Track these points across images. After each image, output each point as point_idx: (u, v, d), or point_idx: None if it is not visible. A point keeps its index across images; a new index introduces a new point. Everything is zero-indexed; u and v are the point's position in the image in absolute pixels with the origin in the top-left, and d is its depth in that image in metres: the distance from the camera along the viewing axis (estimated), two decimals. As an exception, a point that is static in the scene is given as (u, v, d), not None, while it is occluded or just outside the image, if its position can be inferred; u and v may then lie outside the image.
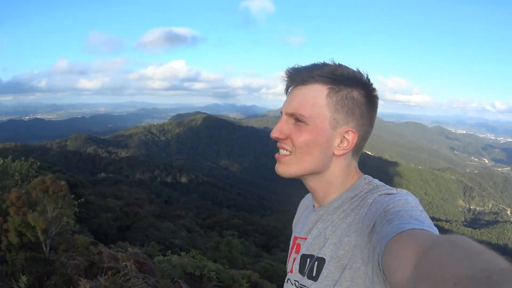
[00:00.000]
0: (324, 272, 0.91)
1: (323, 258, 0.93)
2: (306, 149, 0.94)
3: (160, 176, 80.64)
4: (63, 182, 5.48)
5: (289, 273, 1.08)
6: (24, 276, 3.87)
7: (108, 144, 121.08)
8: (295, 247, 1.10)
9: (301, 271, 1.00)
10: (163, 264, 5.88)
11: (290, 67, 0.98)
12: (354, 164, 1.01)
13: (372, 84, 0.98)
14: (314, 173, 0.98)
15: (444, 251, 0.54)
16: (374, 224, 0.81)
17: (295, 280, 1.03)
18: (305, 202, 1.21)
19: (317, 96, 0.93)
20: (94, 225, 16.93)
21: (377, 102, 1.00)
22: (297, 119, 0.95)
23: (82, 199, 6.53)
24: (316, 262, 0.94)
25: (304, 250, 1.02)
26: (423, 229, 0.70)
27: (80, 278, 3.92)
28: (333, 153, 0.96)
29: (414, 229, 0.70)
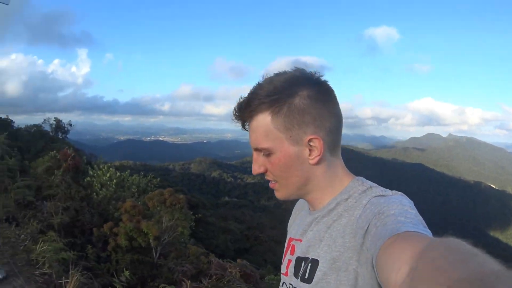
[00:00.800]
0: (318, 274, 0.91)
1: (317, 260, 0.92)
2: (284, 174, 0.96)
3: (285, 203, 79.38)
4: (181, 196, 5.96)
5: (284, 275, 1.07)
6: (127, 271, 4.29)
7: (234, 169, 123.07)
8: (289, 248, 1.09)
9: (296, 273, 1.00)
10: (272, 282, 5.84)
11: (235, 106, 0.98)
12: (338, 162, 1.00)
13: (314, 79, 0.95)
14: (304, 187, 0.99)
15: (438, 254, 0.54)
16: (368, 226, 0.81)
17: (289, 283, 1.03)
18: (301, 203, 1.19)
19: (263, 125, 0.93)
20: (211, 245, 17.63)
21: (328, 90, 0.96)
22: (264, 152, 0.96)
23: (200, 215, 6.89)
24: (310, 264, 0.94)
25: (299, 253, 1.01)
26: (417, 232, 0.70)
27: (183, 279, 4.18)
28: (310, 164, 0.95)
29: (409, 231, 0.70)
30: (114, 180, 7.40)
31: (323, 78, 0.96)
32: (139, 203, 6.42)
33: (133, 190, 7.70)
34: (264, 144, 0.94)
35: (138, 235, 5.13)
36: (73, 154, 7.70)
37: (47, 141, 27.17)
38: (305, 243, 1.00)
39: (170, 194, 5.94)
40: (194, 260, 5.22)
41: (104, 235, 5.61)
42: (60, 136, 31.81)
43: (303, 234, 1.03)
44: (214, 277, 4.42)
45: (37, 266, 4.20)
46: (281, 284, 1.10)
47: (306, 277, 0.94)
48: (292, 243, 1.09)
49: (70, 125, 33.36)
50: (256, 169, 0.99)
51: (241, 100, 0.96)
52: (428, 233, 0.73)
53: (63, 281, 3.91)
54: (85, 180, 7.61)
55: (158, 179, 9.14)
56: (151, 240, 5.12)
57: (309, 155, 0.94)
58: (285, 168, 0.95)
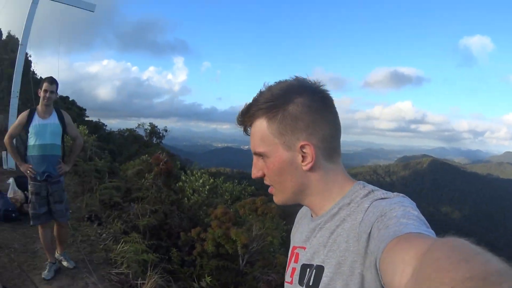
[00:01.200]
0: (324, 280, 0.89)
1: (322, 266, 0.92)
2: (278, 179, 0.98)
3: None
4: (273, 205, 5.75)
5: (289, 284, 1.05)
6: (209, 277, 4.07)
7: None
8: (294, 256, 1.08)
9: (301, 281, 0.98)
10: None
11: (238, 113, 1.02)
12: (335, 168, 0.99)
13: (311, 88, 0.96)
14: (300, 192, 0.99)
15: (442, 254, 0.54)
16: (371, 229, 0.79)
17: None
18: (303, 211, 1.18)
19: (260, 130, 0.96)
20: None
21: (324, 99, 0.97)
22: (261, 156, 0.98)
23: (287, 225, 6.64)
24: (315, 271, 0.93)
25: (303, 260, 1.00)
26: (420, 233, 0.69)
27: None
28: (304, 170, 0.95)
29: (412, 232, 0.69)
30: (207, 187, 7.48)
31: (322, 87, 0.97)
32: (231, 210, 6.39)
33: (225, 197, 7.69)
34: (260, 149, 0.97)
35: (226, 241, 5.10)
36: (165, 159, 7.79)
37: (141, 145, 28.91)
38: (309, 250, 1.00)
39: (262, 202, 5.84)
40: (281, 270, 5.00)
41: (191, 239, 5.66)
42: (154, 141, 33.42)
43: (306, 241, 1.02)
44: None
45: (114, 266, 4.17)
46: None
47: (311, 284, 0.93)
48: (296, 251, 1.08)
49: (166, 130, 34.20)
50: (255, 173, 1.02)
51: (243, 106, 1.01)
52: (431, 233, 0.72)
53: (139, 282, 3.83)
54: (177, 185, 7.69)
55: (253, 187, 9.09)
56: (239, 248, 5.04)
57: (302, 161, 0.95)
58: (279, 172, 0.97)
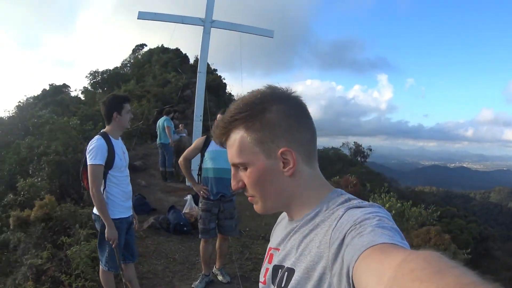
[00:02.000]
0: (293, 282, 0.91)
1: (293, 268, 0.93)
2: (260, 188, 0.99)
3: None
4: (447, 236, 5.52)
5: (262, 284, 1.08)
6: None
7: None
8: (268, 257, 1.11)
9: (273, 281, 1.01)
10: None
11: (213, 127, 1.04)
12: (314, 172, 1.01)
13: (284, 95, 0.99)
14: (283, 200, 1.01)
15: (416, 266, 0.54)
16: (344, 237, 0.79)
17: None
18: (284, 214, 1.17)
19: (238, 140, 0.98)
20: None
21: (299, 105, 1.00)
22: (240, 167, 1.00)
23: (468, 250, 6.09)
24: (286, 273, 0.95)
25: (276, 261, 1.03)
26: (395, 244, 0.69)
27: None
28: (285, 176, 0.97)
29: (386, 243, 0.69)
30: (393, 211, 7.06)
31: (294, 94, 1.00)
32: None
33: (410, 223, 7.24)
34: (240, 159, 0.98)
35: None
36: (354, 182, 8.07)
37: (345, 163, 28.92)
38: (282, 251, 1.02)
39: (436, 233, 5.55)
40: None
41: None
42: (359, 160, 32.93)
43: (281, 243, 1.05)
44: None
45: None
46: None
47: (283, 285, 0.95)
48: (271, 252, 1.10)
49: (370, 149, 34.09)
50: (235, 184, 1.02)
51: (219, 119, 1.02)
52: (406, 245, 0.72)
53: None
54: None
55: (439, 212, 8.40)
56: None
57: (283, 167, 0.96)
58: (262, 181, 0.98)
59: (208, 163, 4.21)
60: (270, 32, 10.03)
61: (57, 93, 24.02)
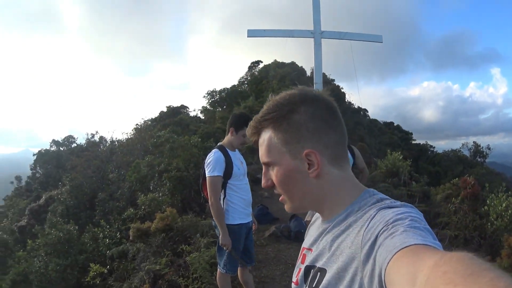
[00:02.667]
0: (324, 282, 0.91)
1: (324, 269, 0.94)
2: (286, 187, 1.01)
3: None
4: None
5: (294, 284, 1.09)
6: None
7: None
8: (301, 257, 1.12)
9: (305, 281, 1.02)
10: None
11: (248, 127, 1.08)
12: (343, 174, 1.01)
13: (312, 96, 1.00)
14: (309, 200, 1.03)
15: (449, 268, 0.53)
16: (376, 238, 0.79)
17: None
18: (318, 214, 1.17)
19: (267, 140, 1.01)
20: None
21: (327, 107, 1.00)
22: (269, 166, 1.03)
23: None
24: (318, 273, 0.95)
25: (308, 261, 1.04)
26: (427, 245, 0.69)
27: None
28: (311, 177, 0.97)
29: (419, 244, 0.69)
30: (510, 211, 6.67)
31: (325, 96, 1.01)
32: None
33: None
34: (268, 158, 1.02)
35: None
36: (472, 182, 7.62)
37: (465, 166, 26.92)
38: (314, 252, 1.03)
39: None
40: None
41: None
42: (479, 160, 30.99)
43: (313, 244, 1.06)
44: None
45: None
46: None
47: (314, 285, 0.95)
48: (304, 252, 1.11)
49: (489, 149, 31.64)
50: (264, 182, 1.06)
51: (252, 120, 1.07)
52: (438, 245, 0.71)
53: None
54: (483, 208, 7.24)
55: None
56: None
57: (308, 168, 0.97)
58: (287, 181, 1.00)
59: None
60: (379, 37, 10.05)
61: (175, 114, 25.90)
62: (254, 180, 8.96)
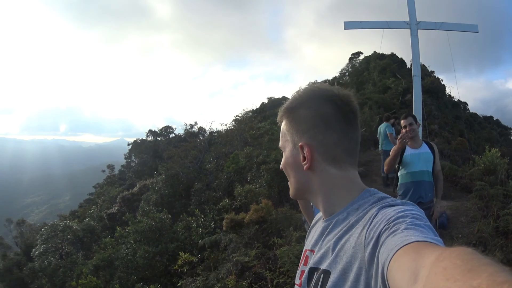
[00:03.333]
0: (330, 284, 0.91)
1: (328, 270, 0.94)
2: (286, 172, 1.10)
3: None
4: None
5: (297, 286, 1.10)
6: None
7: None
8: (304, 259, 1.12)
9: (308, 284, 1.02)
10: None
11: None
12: (341, 174, 1.02)
13: (325, 95, 1.03)
14: (303, 190, 1.07)
15: (450, 264, 0.54)
16: (379, 237, 0.80)
17: None
18: (320, 214, 1.19)
19: (282, 127, 1.11)
20: None
21: (337, 106, 1.01)
22: (282, 151, 1.12)
23: None
24: (322, 275, 0.95)
25: (311, 263, 1.04)
26: (428, 241, 0.70)
27: None
28: (304, 169, 1.02)
29: (419, 241, 0.70)
30: None
31: (341, 97, 1.03)
32: None
33: None
34: (280, 143, 1.12)
35: None
36: None
37: None
38: (317, 253, 1.03)
39: None
40: None
41: None
42: None
43: (315, 245, 1.07)
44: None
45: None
46: None
47: (319, 287, 0.95)
48: (307, 254, 1.12)
49: None
50: (281, 165, 1.12)
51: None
52: (439, 242, 0.72)
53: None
54: None
55: None
56: None
57: (302, 160, 1.02)
58: (287, 167, 1.08)
59: (405, 169, 4.22)
60: (474, 26, 9.71)
61: (276, 105, 26.27)
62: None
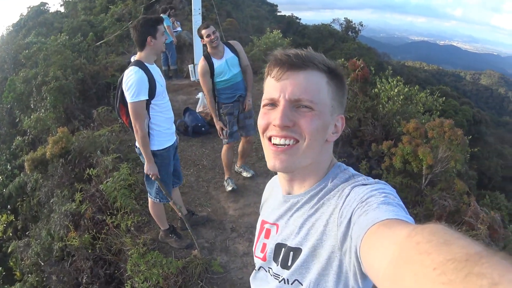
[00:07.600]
0: (299, 262, 0.92)
1: (299, 248, 0.94)
2: (316, 135, 0.93)
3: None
4: (459, 132, 5.46)
5: (261, 260, 1.09)
6: None
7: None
8: (263, 231, 1.11)
9: (275, 259, 1.02)
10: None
11: (287, 51, 0.96)
12: (330, 145, 1.03)
13: (338, 70, 1.00)
14: (312, 161, 0.97)
15: (422, 238, 0.55)
16: (351, 215, 0.81)
17: (268, 267, 1.06)
18: (274, 181, 1.20)
19: (319, 82, 0.94)
20: (483, 166, 17.28)
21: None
22: (302, 105, 0.93)
23: (470, 136, 6.12)
24: (292, 252, 0.96)
25: (278, 239, 1.03)
26: (399, 219, 0.71)
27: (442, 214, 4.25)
28: (326, 140, 0.97)
29: (391, 218, 0.71)
30: (401, 96, 7.12)
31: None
32: (422, 121, 6.27)
33: (419, 107, 7.28)
34: (314, 98, 0.92)
35: (413, 159, 5.16)
36: (362, 65, 7.79)
37: (336, 40, 28.14)
38: (284, 229, 1.02)
39: (450, 128, 5.48)
40: (457, 197, 5.02)
41: (381, 152, 5.86)
42: (351, 35, 32.21)
43: (279, 219, 1.06)
44: (464, 228, 4.32)
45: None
46: (257, 268, 1.13)
47: (289, 264, 0.96)
48: (266, 226, 1.10)
49: (362, 25, 33.44)
50: (287, 120, 0.92)
51: (297, 51, 0.96)
52: (410, 219, 0.73)
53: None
54: (373, 91, 7.65)
55: (444, 98, 8.36)
56: (424, 167, 5.10)
57: (332, 131, 0.98)
58: (320, 128, 0.94)
59: (218, 78, 4.23)
60: None
61: (38, 14, 22.20)
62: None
